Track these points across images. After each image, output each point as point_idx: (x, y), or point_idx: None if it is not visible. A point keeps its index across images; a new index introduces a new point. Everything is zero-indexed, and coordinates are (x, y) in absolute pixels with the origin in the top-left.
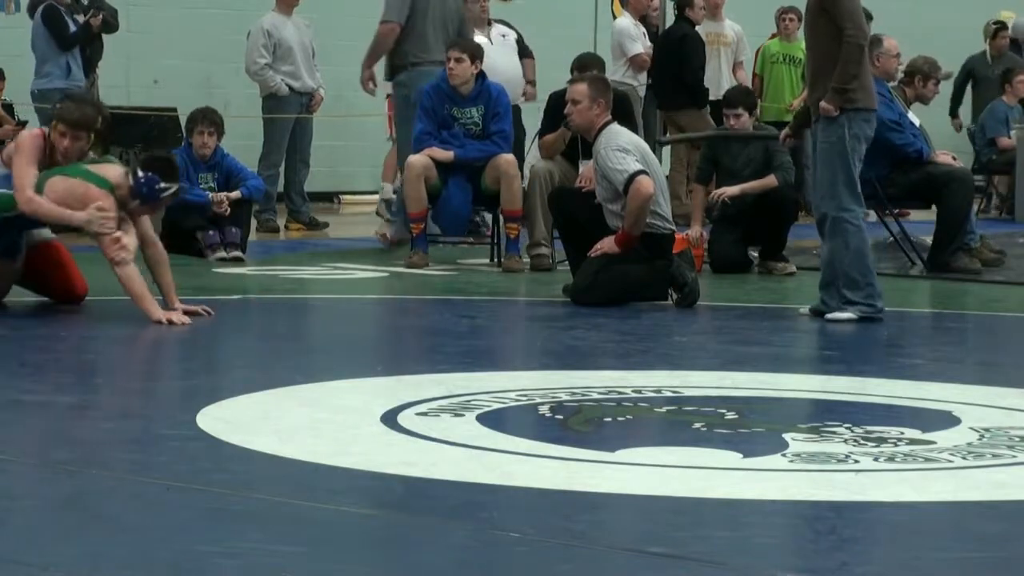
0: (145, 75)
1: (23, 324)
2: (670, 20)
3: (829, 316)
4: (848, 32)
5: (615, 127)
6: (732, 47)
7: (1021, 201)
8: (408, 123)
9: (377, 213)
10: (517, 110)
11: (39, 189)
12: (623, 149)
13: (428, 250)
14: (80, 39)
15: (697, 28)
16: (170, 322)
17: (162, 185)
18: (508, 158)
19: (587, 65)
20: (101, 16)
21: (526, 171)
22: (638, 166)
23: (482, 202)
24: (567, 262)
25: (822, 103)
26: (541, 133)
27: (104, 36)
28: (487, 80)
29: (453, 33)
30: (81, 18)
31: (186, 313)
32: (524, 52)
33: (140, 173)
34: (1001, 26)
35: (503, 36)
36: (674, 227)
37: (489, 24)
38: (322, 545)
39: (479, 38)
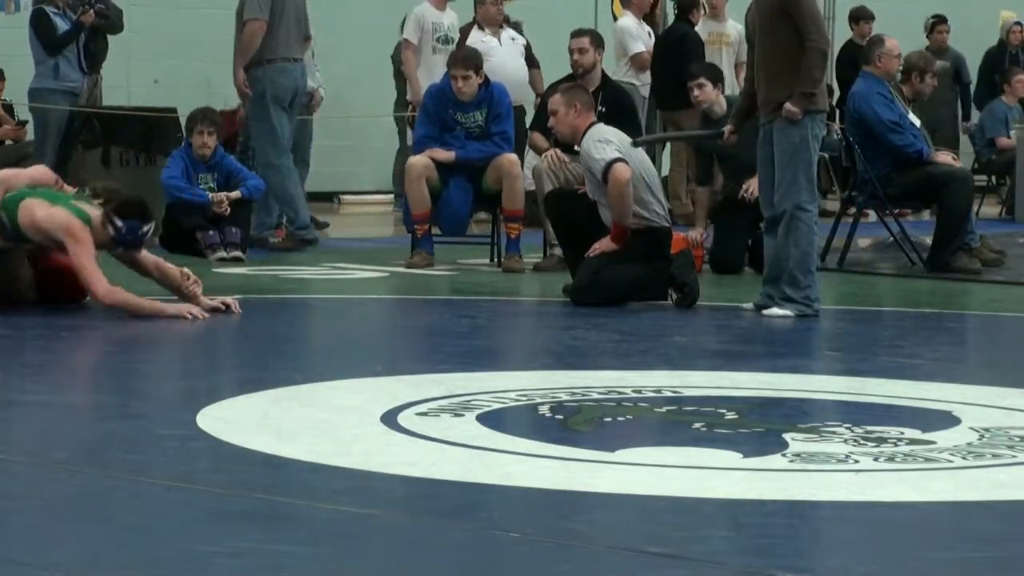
0: (145, 75)
1: (23, 324)
2: (670, 20)
3: (766, 312)
4: (812, 37)
5: (600, 125)
6: (734, 47)
7: (1021, 201)
8: (262, 119)
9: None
10: (521, 111)
11: (12, 207)
12: (604, 140)
13: (433, 251)
14: (72, 38)
15: (699, 28)
16: (192, 316)
17: (144, 229)
18: (511, 158)
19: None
20: (92, 12)
21: (527, 172)
22: (616, 154)
23: (482, 202)
24: (566, 263)
25: (788, 107)
26: (532, 127)
27: (107, 36)
28: (491, 83)
29: (304, 29)
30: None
31: (210, 310)
32: (531, 61)
33: (119, 223)
34: (939, 20)
35: (512, 39)
36: (669, 221)
37: (501, 26)
38: (322, 545)
39: (487, 38)
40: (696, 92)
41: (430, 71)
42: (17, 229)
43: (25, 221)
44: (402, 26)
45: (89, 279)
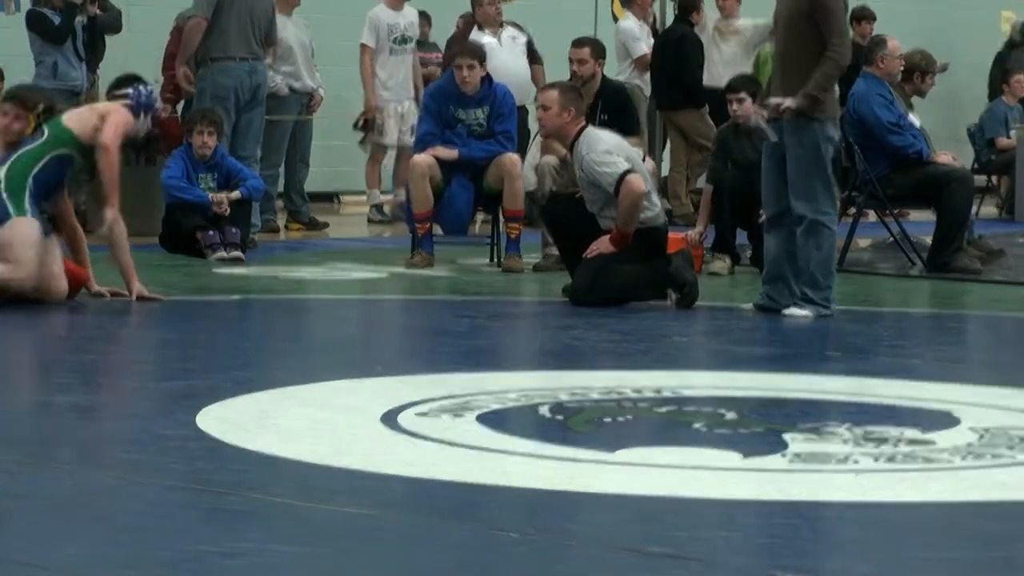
0: (145, 75)
1: (24, 324)
2: (668, 20)
3: (786, 312)
4: (835, 48)
5: (591, 131)
6: (743, 37)
7: (1021, 201)
8: None
9: (369, 219)
10: (523, 111)
11: (57, 125)
12: (607, 151)
13: (433, 251)
14: (70, 25)
15: (709, 21)
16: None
17: (149, 87)
18: (513, 157)
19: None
20: (97, 4)
21: (526, 171)
22: (626, 165)
23: (483, 201)
24: (564, 264)
25: (787, 102)
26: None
27: (105, 36)
28: (494, 82)
29: (260, 31)
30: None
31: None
32: (534, 58)
33: (132, 90)
34: None
35: (513, 39)
36: (665, 219)
37: (501, 26)
38: (322, 545)
39: (488, 39)
40: (735, 106)
41: (389, 73)
42: (69, 135)
43: (72, 122)
44: None
45: (114, 128)
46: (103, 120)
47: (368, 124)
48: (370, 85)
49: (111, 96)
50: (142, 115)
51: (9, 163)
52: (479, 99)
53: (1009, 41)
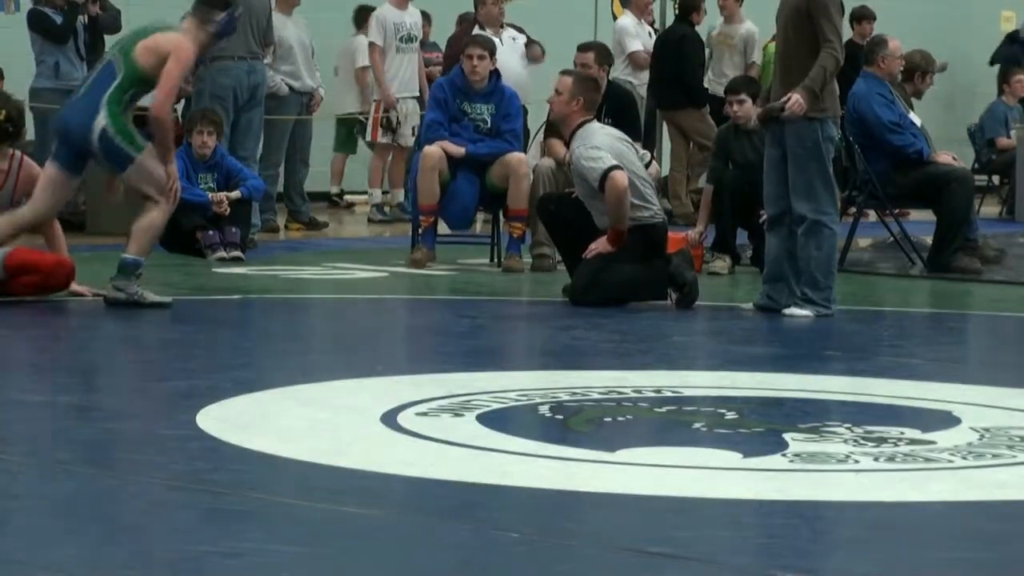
0: None
1: (23, 324)
2: (669, 20)
3: (787, 312)
4: (833, 44)
5: (591, 127)
6: (738, 48)
7: (1021, 201)
8: None
9: (369, 219)
10: (523, 111)
11: (128, 49)
12: (595, 147)
13: (435, 247)
14: (72, 24)
15: (711, 26)
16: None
17: (238, 12)
18: (520, 156)
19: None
20: (98, 4)
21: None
22: (612, 161)
23: (487, 200)
24: (564, 263)
25: (794, 97)
26: (547, 130)
27: (104, 36)
28: (501, 81)
29: (259, 29)
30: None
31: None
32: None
33: (219, 17)
34: None
35: (513, 39)
36: (663, 217)
37: (502, 26)
38: (322, 545)
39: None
40: (736, 108)
41: (394, 72)
42: (139, 73)
43: (141, 59)
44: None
45: (166, 91)
46: (174, 50)
47: (389, 121)
48: (383, 82)
49: (197, 10)
50: (216, 39)
51: (104, 110)
52: (486, 94)
53: (1004, 40)
